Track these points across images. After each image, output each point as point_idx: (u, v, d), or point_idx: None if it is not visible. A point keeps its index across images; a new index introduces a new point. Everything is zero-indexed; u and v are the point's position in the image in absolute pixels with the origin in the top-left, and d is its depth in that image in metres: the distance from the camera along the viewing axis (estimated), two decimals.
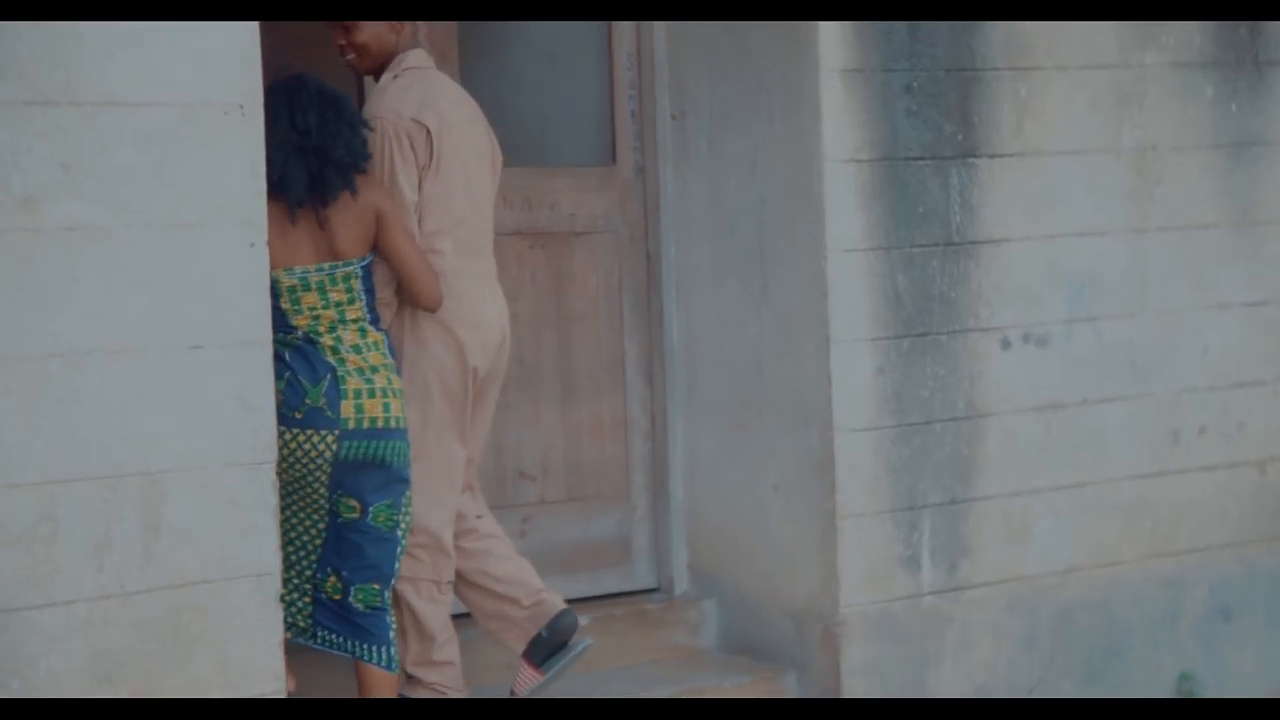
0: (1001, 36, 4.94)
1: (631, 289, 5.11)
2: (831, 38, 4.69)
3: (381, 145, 4.17)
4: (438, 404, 4.22)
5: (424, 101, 4.21)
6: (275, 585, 3.83)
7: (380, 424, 4.06)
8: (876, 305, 4.80)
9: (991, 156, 4.95)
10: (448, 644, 4.28)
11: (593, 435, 5.08)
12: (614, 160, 5.09)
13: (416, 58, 4.32)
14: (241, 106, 3.79)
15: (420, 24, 4.74)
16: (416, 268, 4.13)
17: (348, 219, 4.05)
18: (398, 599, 4.22)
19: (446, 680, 4.28)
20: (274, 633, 3.83)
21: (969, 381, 4.94)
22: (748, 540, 4.97)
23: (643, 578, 5.14)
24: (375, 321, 4.14)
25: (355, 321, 4.10)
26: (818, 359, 4.77)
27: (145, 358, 3.69)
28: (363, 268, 4.10)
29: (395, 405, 4.10)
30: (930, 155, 4.86)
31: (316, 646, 4.15)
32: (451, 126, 4.24)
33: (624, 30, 5.08)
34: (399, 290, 4.19)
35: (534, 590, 4.31)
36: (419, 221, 4.19)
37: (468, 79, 4.95)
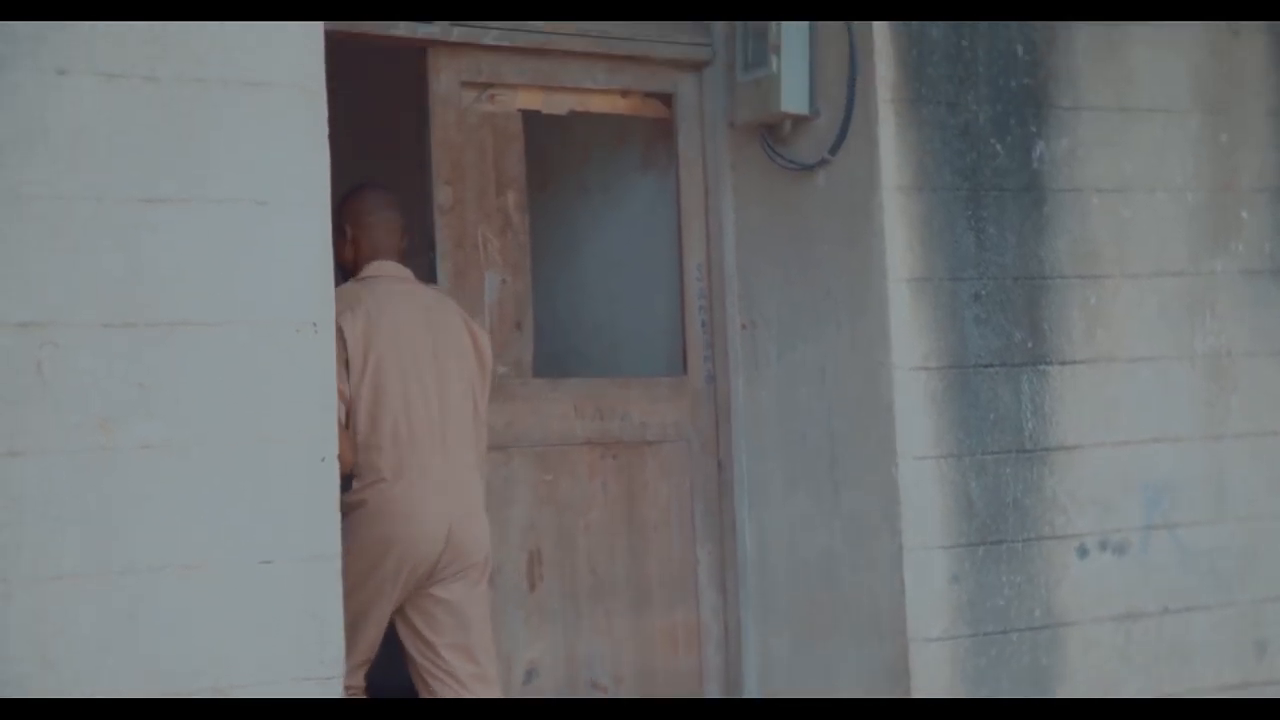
0: (1068, 244, 4.96)
1: (703, 498, 5.11)
2: (897, 247, 4.73)
3: None
4: (363, 576, 4.26)
5: (352, 305, 4.34)
6: None
7: None
8: (949, 512, 4.76)
9: (1063, 363, 4.94)
10: None
11: (665, 645, 5.04)
12: (685, 370, 5.13)
13: (375, 268, 4.46)
14: (314, 324, 3.87)
15: (492, 239, 4.85)
16: None
17: None
18: None
19: None
20: None
21: (1046, 589, 4.87)
22: None
23: None
24: None
25: None
26: (891, 567, 4.72)
27: (216, 574, 3.72)
28: None
29: None
30: (1000, 362, 4.86)
31: None
32: (384, 330, 4.34)
33: (694, 241, 5.15)
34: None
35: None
36: (352, 421, 4.30)
37: (540, 289, 5.04)
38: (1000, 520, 4.82)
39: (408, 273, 4.52)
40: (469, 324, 4.53)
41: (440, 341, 4.45)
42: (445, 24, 4.75)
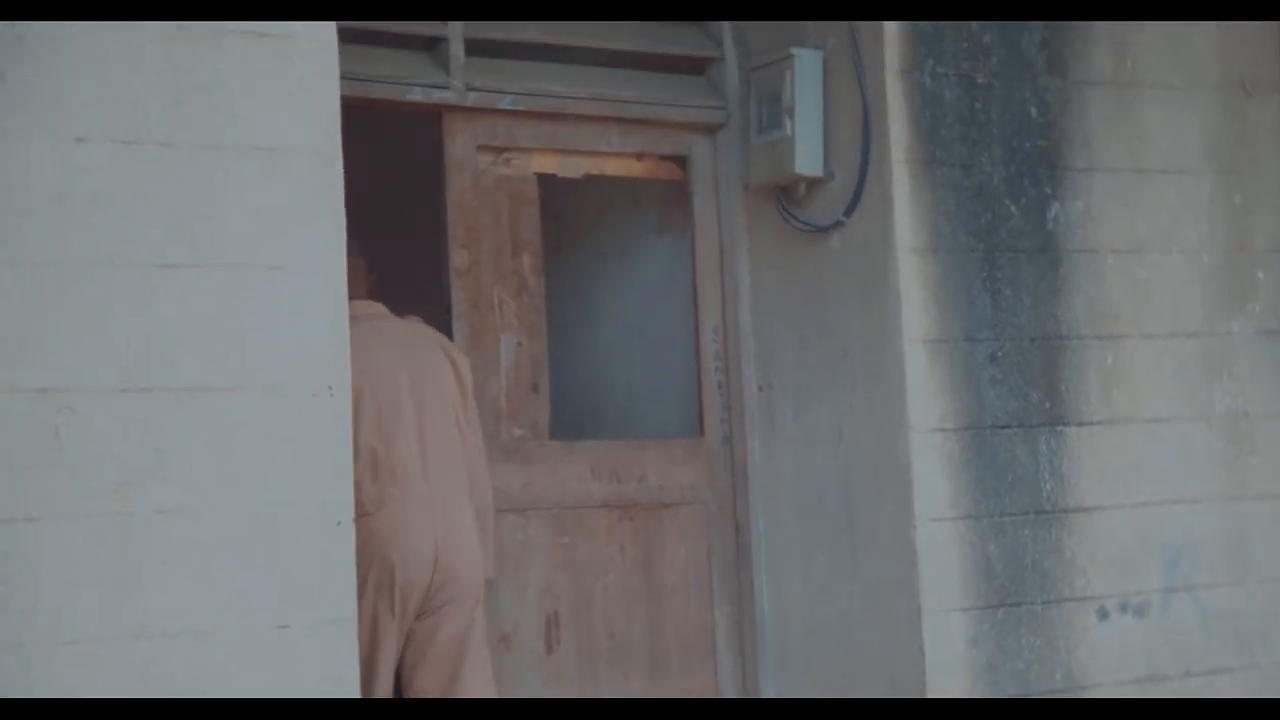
0: (1084, 305, 4.96)
1: (720, 560, 5.10)
2: (913, 308, 4.73)
3: None
4: (362, 614, 4.21)
5: None
6: None
7: None
8: (967, 574, 4.74)
9: (1080, 424, 4.93)
10: None
11: None
12: (701, 432, 5.13)
13: (349, 308, 4.34)
14: (330, 387, 3.88)
15: (508, 301, 4.86)
16: None
17: None
18: None
19: None
20: None
21: (1066, 652, 4.84)
22: None
23: None
24: None
25: None
26: (909, 629, 4.70)
27: (231, 639, 3.71)
28: None
29: None
30: (1017, 423, 4.85)
31: None
32: (356, 366, 4.24)
33: (710, 303, 5.16)
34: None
35: None
36: None
37: (556, 351, 5.04)
38: (1019, 582, 4.80)
39: (381, 307, 4.52)
40: (448, 350, 4.52)
41: (417, 371, 4.43)
42: (461, 89, 4.79)
